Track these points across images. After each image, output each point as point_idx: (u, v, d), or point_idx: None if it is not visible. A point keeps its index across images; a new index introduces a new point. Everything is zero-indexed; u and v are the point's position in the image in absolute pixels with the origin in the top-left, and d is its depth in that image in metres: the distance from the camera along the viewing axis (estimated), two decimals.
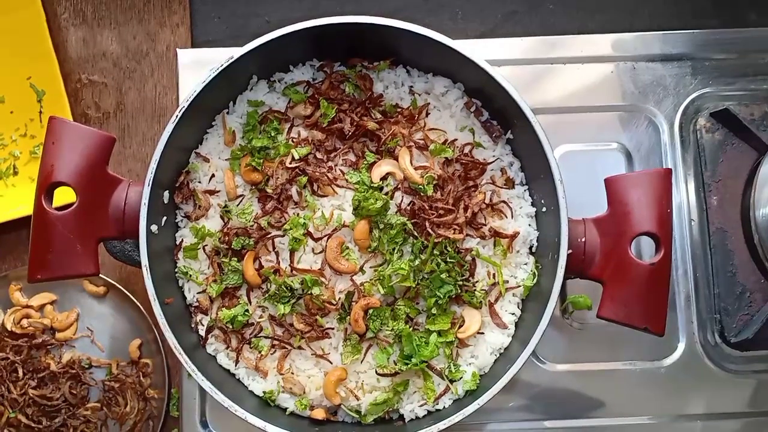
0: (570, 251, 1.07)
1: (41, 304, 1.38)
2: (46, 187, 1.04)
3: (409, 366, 1.10)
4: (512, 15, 1.47)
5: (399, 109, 1.19)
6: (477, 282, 1.15)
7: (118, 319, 1.39)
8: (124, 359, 1.38)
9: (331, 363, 1.14)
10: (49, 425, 1.32)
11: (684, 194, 1.38)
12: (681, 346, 1.34)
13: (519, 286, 1.16)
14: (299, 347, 1.14)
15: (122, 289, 1.37)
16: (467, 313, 1.14)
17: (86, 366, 1.36)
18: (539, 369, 1.33)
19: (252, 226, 1.14)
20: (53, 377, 1.34)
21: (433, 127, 1.19)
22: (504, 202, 1.18)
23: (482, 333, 1.15)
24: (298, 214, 1.14)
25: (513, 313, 1.17)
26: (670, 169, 1.10)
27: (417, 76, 1.21)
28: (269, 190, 1.15)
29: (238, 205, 1.17)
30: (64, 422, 1.33)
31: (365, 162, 1.16)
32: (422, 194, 1.14)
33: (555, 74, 1.40)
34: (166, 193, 1.15)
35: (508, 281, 1.16)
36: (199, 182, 1.19)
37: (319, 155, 1.17)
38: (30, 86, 1.43)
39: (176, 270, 1.17)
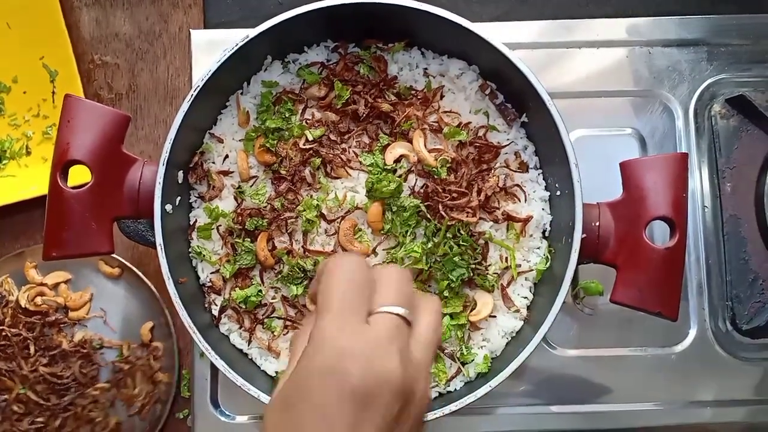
0: (584, 235, 1.06)
1: (55, 282, 1.39)
2: (61, 166, 1.04)
3: None
4: None
5: (413, 92, 1.19)
6: (489, 265, 1.15)
7: (131, 301, 1.39)
8: (135, 341, 1.38)
9: None
10: (58, 403, 1.33)
11: (698, 181, 1.37)
12: (692, 333, 1.34)
13: (531, 270, 1.16)
14: None
15: (136, 271, 1.37)
16: (479, 297, 1.15)
17: (97, 346, 1.37)
18: (549, 354, 1.34)
19: (265, 207, 1.15)
20: (64, 356, 1.35)
21: (448, 109, 1.19)
22: (517, 185, 1.17)
23: (494, 316, 1.15)
24: (311, 196, 1.15)
25: (525, 297, 1.17)
26: (686, 153, 1.10)
27: (432, 58, 1.21)
28: (283, 172, 1.15)
29: (251, 186, 1.17)
30: (72, 401, 1.34)
31: (379, 144, 1.16)
32: (436, 177, 1.14)
33: (569, 58, 1.39)
34: (180, 173, 1.15)
35: (520, 265, 1.16)
36: (213, 163, 1.19)
37: (332, 137, 1.17)
38: (43, 66, 1.43)
39: (190, 250, 1.17)
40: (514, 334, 1.16)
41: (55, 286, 1.39)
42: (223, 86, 1.18)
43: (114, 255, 1.35)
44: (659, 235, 1.33)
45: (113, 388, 1.36)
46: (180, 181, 1.15)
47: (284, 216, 1.14)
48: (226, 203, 1.17)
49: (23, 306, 1.36)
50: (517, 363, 1.05)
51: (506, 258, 1.15)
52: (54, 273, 1.39)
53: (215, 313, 1.17)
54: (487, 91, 1.20)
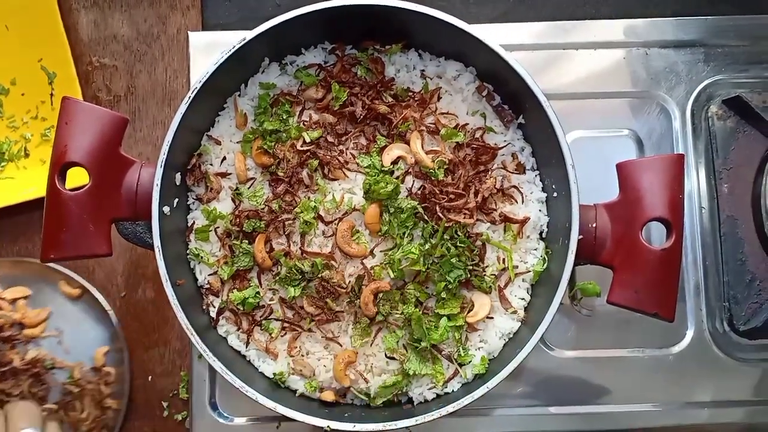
0: (581, 237, 1.07)
1: (15, 297, 1.37)
2: (59, 167, 1.05)
3: (418, 349, 1.11)
4: None
5: (410, 93, 1.19)
6: (487, 267, 1.15)
7: (88, 324, 1.38)
8: (88, 364, 1.37)
9: (341, 346, 1.14)
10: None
11: (695, 182, 1.37)
12: (689, 334, 1.35)
13: (529, 272, 1.16)
14: (309, 330, 1.14)
15: (95, 294, 1.36)
16: (477, 298, 1.15)
17: (49, 367, 1.34)
18: (547, 355, 1.34)
19: (263, 208, 1.15)
20: (15, 373, 1.32)
21: (445, 111, 1.19)
22: (515, 187, 1.18)
23: (491, 318, 1.15)
24: (309, 198, 1.15)
25: (522, 299, 1.17)
26: (683, 154, 1.10)
27: (429, 59, 1.21)
28: (280, 173, 1.15)
29: (249, 188, 1.17)
30: None
31: (376, 146, 1.16)
32: (433, 178, 1.14)
33: (567, 60, 1.39)
34: (178, 175, 1.15)
35: (517, 266, 1.16)
36: (211, 165, 1.19)
37: (330, 139, 1.17)
38: (41, 68, 1.43)
39: (188, 252, 1.18)
40: (511, 336, 1.16)
41: (14, 301, 1.37)
42: (221, 88, 1.18)
43: (76, 277, 1.36)
44: (656, 236, 1.33)
45: (60, 410, 1.34)
46: (178, 183, 1.15)
47: (282, 218, 1.14)
48: (223, 205, 1.17)
49: None
50: (515, 364, 1.05)
51: (503, 259, 1.15)
52: (14, 288, 1.37)
53: (213, 314, 1.17)
54: (484, 93, 1.20)
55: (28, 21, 1.41)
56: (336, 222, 1.14)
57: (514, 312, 1.16)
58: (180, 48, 1.46)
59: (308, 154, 1.15)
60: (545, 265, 1.15)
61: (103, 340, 1.38)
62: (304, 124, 1.18)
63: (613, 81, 1.40)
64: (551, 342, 1.34)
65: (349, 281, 1.13)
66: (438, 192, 1.13)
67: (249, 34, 1.09)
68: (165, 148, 1.07)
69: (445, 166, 1.14)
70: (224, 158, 1.19)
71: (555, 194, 1.15)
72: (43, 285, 1.38)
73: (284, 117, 1.18)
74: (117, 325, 1.35)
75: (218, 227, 1.17)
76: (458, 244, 1.12)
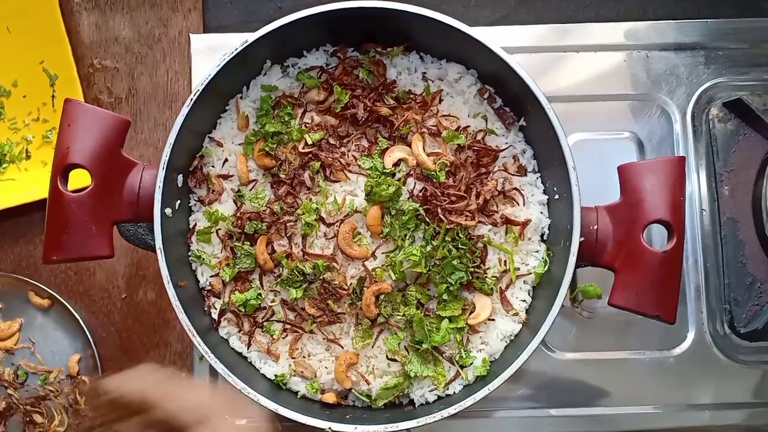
0: (582, 239, 1.07)
1: None
2: (61, 169, 1.05)
3: (420, 350, 1.11)
4: (525, 2, 1.47)
5: (412, 95, 1.19)
6: (488, 269, 1.15)
7: (60, 334, 1.38)
8: (63, 371, 1.37)
9: (343, 347, 1.14)
10: None
11: (695, 184, 1.38)
12: (690, 336, 1.35)
13: (530, 274, 1.16)
14: (311, 332, 1.15)
15: (65, 303, 1.36)
16: (478, 300, 1.15)
17: (22, 381, 1.36)
18: (548, 357, 1.34)
19: (265, 210, 1.15)
20: None
21: (446, 113, 1.19)
22: (516, 189, 1.18)
23: (493, 320, 1.15)
24: (310, 200, 1.15)
25: (524, 300, 1.17)
26: (684, 157, 1.10)
27: (430, 62, 1.21)
28: (282, 175, 1.16)
29: (251, 190, 1.17)
30: None
31: (378, 148, 1.16)
32: (434, 180, 1.14)
33: (567, 62, 1.40)
34: (180, 177, 1.15)
35: (519, 268, 1.16)
36: (213, 166, 1.19)
37: (332, 141, 1.17)
38: (43, 70, 1.43)
39: (189, 253, 1.18)
40: (512, 338, 1.16)
41: None
42: (223, 90, 1.18)
43: (44, 286, 1.36)
44: (657, 238, 1.33)
45: (31, 404, 1.35)
46: (180, 185, 1.15)
47: (283, 220, 1.14)
48: (225, 207, 1.18)
49: None
50: (516, 366, 1.06)
51: (505, 261, 1.16)
52: None
53: (215, 316, 1.17)
54: (486, 95, 1.20)
55: (29, 23, 1.41)
56: (337, 224, 1.14)
57: (516, 314, 1.16)
58: (181, 50, 1.46)
59: (310, 156, 1.16)
60: (546, 267, 1.15)
61: (76, 348, 1.38)
62: (305, 126, 1.18)
63: (613, 83, 1.40)
64: (552, 344, 1.34)
65: (351, 283, 1.13)
66: (439, 194, 1.13)
67: (251, 37, 1.09)
68: (167, 150, 1.07)
69: (447, 168, 1.14)
70: (226, 160, 1.19)
71: (556, 196, 1.15)
72: (12, 297, 1.39)
73: (286, 119, 1.18)
74: (88, 333, 1.35)
75: (220, 229, 1.17)
76: (459, 246, 1.12)
